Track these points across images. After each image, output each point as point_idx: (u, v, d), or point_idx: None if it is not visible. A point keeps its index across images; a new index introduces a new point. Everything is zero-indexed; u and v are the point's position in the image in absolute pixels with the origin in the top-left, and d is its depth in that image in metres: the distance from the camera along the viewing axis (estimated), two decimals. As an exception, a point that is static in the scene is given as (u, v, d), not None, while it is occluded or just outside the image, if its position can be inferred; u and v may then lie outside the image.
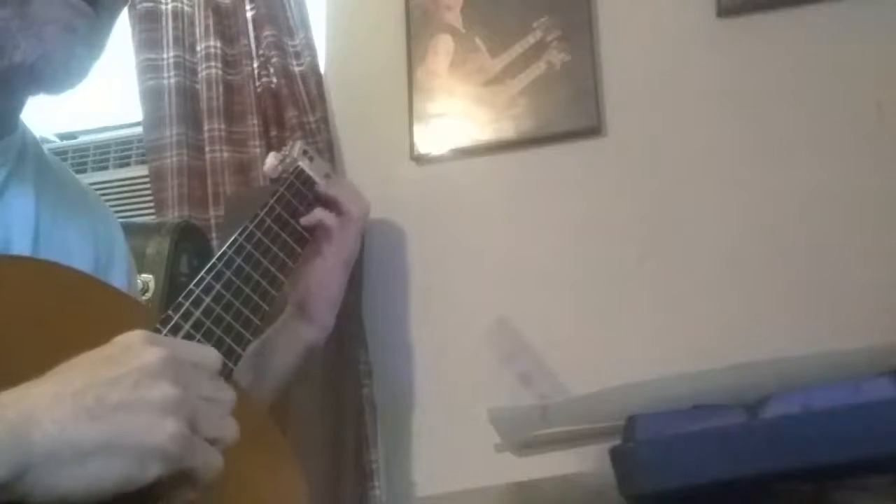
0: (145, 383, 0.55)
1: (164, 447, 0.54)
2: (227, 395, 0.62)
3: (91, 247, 0.86)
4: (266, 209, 0.89)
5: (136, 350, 0.57)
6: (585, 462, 1.58)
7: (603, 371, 1.61)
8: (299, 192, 0.95)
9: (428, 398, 1.84)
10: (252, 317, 0.76)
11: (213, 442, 0.58)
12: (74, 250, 0.82)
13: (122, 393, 0.54)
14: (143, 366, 0.55)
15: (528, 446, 1.54)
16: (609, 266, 1.79)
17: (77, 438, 0.51)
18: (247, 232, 0.84)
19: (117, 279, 0.88)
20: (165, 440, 0.54)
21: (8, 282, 0.63)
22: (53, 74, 0.72)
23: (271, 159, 1.00)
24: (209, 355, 0.63)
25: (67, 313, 0.64)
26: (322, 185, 0.98)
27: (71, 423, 0.51)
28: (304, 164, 0.98)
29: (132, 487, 0.53)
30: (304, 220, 0.93)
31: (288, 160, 0.98)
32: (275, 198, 0.91)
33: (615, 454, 1.31)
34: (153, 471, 0.53)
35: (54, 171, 0.87)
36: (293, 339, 0.99)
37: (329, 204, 0.98)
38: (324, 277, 0.99)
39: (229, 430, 0.60)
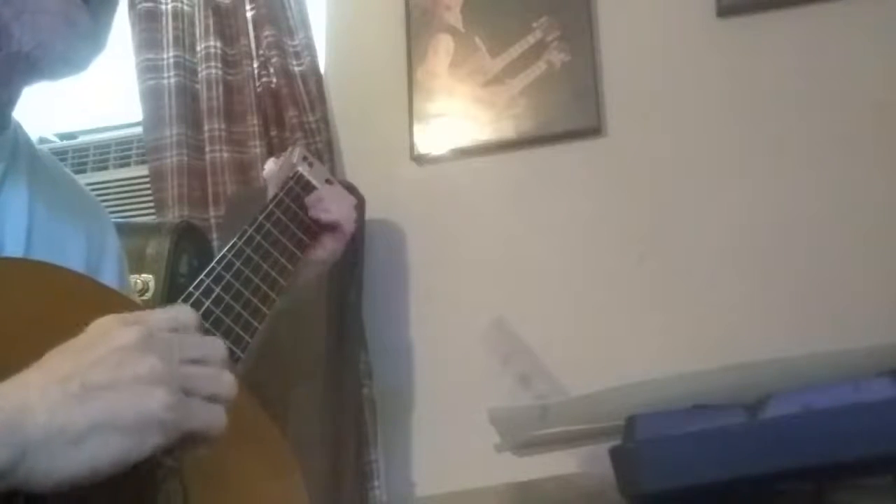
0: (129, 360, 0.55)
1: (159, 416, 0.54)
2: (214, 348, 0.62)
3: (83, 245, 0.86)
4: (265, 213, 0.89)
5: (113, 332, 0.57)
6: (585, 462, 1.58)
7: (603, 371, 1.61)
8: (298, 196, 0.95)
9: (428, 398, 1.84)
10: (252, 320, 0.76)
11: (212, 399, 0.59)
12: (68, 248, 0.82)
13: (107, 373, 0.54)
14: (123, 345, 0.56)
15: (528, 446, 1.54)
16: (609, 266, 1.79)
17: (68, 423, 0.52)
18: (246, 236, 0.84)
19: (108, 279, 0.87)
20: (158, 410, 0.54)
21: (5, 282, 0.63)
22: (51, 64, 0.72)
23: (270, 164, 1.00)
24: (185, 313, 0.63)
25: (62, 314, 0.65)
26: (317, 209, 0.98)
27: (61, 410, 0.52)
28: (303, 169, 0.98)
29: (133, 461, 0.54)
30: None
31: (287, 165, 0.98)
32: (274, 202, 0.91)
33: (615, 454, 1.31)
34: (151, 441, 0.54)
35: (47, 169, 0.86)
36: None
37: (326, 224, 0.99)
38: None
39: (225, 385, 0.60)
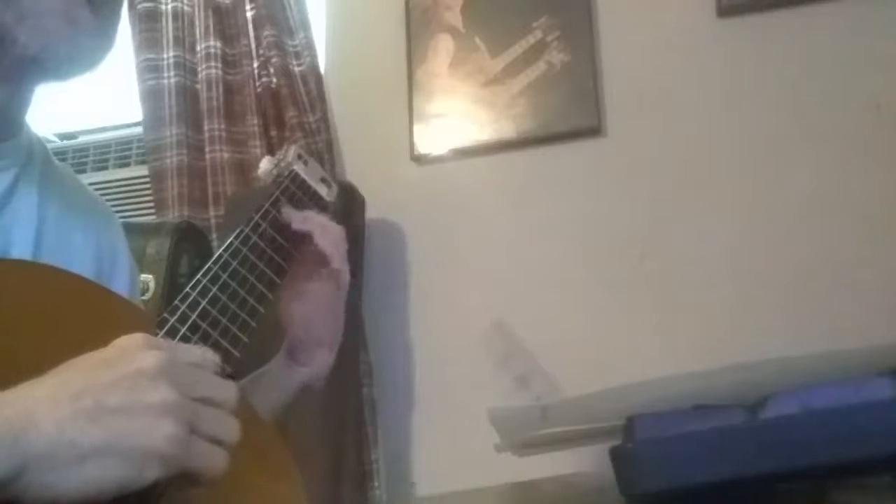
0: (143, 386, 0.55)
1: (162, 450, 0.54)
2: (229, 392, 0.62)
3: (92, 255, 0.86)
4: (261, 213, 0.88)
5: (134, 353, 0.57)
6: (585, 462, 1.58)
7: (603, 371, 1.61)
8: (294, 195, 0.95)
9: (428, 398, 1.84)
10: (248, 320, 0.76)
11: (215, 442, 0.59)
12: (77, 256, 0.82)
13: (120, 396, 0.54)
14: (141, 369, 0.56)
15: (528, 446, 1.54)
16: (609, 266, 1.79)
17: (75, 440, 0.51)
18: (242, 235, 0.84)
19: (119, 289, 0.87)
20: (162, 443, 0.54)
21: (8, 285, 0.63)
22: (58, 65, 0.72)
23: (265, 164, 0.99)
24: (207, 356, 0.63)
25: (68, 317, 0.64)
26: (300, 223, 0.94)
27: (69, 425, 0.52)
28: (298, 167, 0.98)
29: (129, 490, 0.54)
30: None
31: (283, 164, 0.98)
32: (270, 201, 0.91)
33: (615, 454, 1.31)
34: (150, 473, 0.54)
35: (59, 176, 0.86)
36: (287, 379, 0.97)
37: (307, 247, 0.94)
38: (311, 322, 0.96)
39: (230, 431, 0.60)
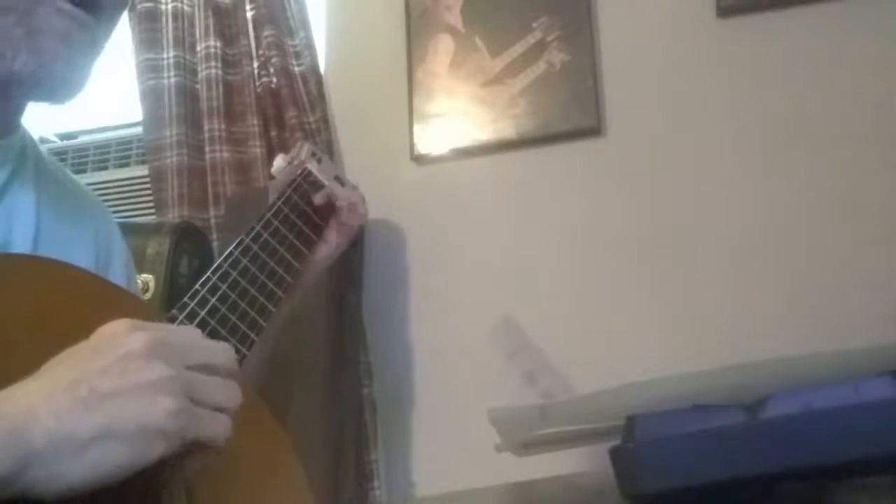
0: (135, 367, 0.55)
1: (163, 425, 0.55)
2: (224, 355, 0.62)
3: (91, 247, 0.86)
4: (273, 210, 0.88)
5: (121, 337, 0.57)
6: (585, 462, 1.58)
7: (603, 371, 1.61)
8: (306, 193, 0.95)
9: (428, 398, 1.84)
10: (258, 317, 0.76)
11: (217, 409, 0.59)
12: (75, 250, 0.82)
13: (113, 380, 0.54)
14: (131, 351, 0.56)
15: (528, 446, 1.54)
16: (609, 266, 1.79)
17: (74, 430, 0.52)
18: (253, 233, 0.84)
19: (116, 279, 0.88)
20: (163, 418, 0.55)
21: (10, 279, 0.63)
22: (52, 86, 0.72)
23: (279, 161, 0.99)
24: (193, 331, 0.64)
25: (71, 310, 0.65)
26: (326, 195, 0.97)
27: (67, 416, 0.52)
28: (311, 165, 0.98)
29: (137, 469, 0.54)
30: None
31: (296, 162, 0.98)
32: (282, 199, 0.91)
33: (615, 454, 1.31)
34: (156, 450, 0.54)
35: (53, 172, 0.87)
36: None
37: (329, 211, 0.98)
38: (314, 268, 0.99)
39: (230, 395, 0.61)
